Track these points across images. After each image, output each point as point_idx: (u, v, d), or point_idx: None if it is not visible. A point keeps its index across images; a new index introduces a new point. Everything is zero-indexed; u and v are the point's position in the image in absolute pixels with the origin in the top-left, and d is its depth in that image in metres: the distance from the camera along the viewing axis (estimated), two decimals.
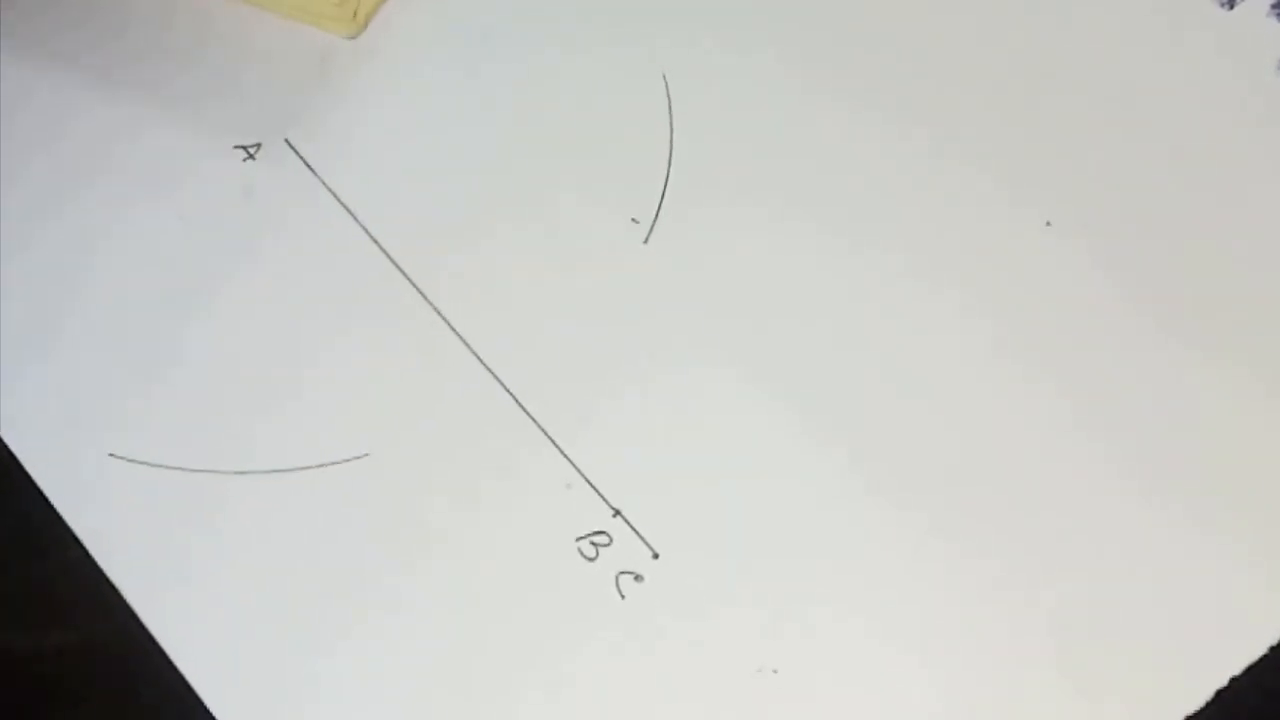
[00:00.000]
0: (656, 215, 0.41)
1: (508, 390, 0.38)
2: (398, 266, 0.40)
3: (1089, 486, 0.37)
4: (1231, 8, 0.45)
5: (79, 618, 0.36)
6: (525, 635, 0.35)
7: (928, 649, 0.35)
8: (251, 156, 0.42)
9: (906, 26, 0.45)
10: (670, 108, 0.43)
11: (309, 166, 0.41)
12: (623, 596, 0.35)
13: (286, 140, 0.42)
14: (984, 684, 0.35)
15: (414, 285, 0.39)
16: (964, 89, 0.44)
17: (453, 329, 0.39)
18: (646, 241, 0.41)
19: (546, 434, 0.37)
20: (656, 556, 0.36)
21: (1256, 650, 0.35)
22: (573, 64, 0.41)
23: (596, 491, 0.37)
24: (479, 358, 0.38)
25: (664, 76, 0.44)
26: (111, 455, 0.37)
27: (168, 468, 0.37)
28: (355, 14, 0.44)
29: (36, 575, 0.37)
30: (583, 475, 0.37)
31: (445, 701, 0.34)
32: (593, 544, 0.36)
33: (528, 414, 0.37)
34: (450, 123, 0.43)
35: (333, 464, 0.37)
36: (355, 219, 0.41)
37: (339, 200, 0.41)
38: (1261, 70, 0.44)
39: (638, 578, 0.36)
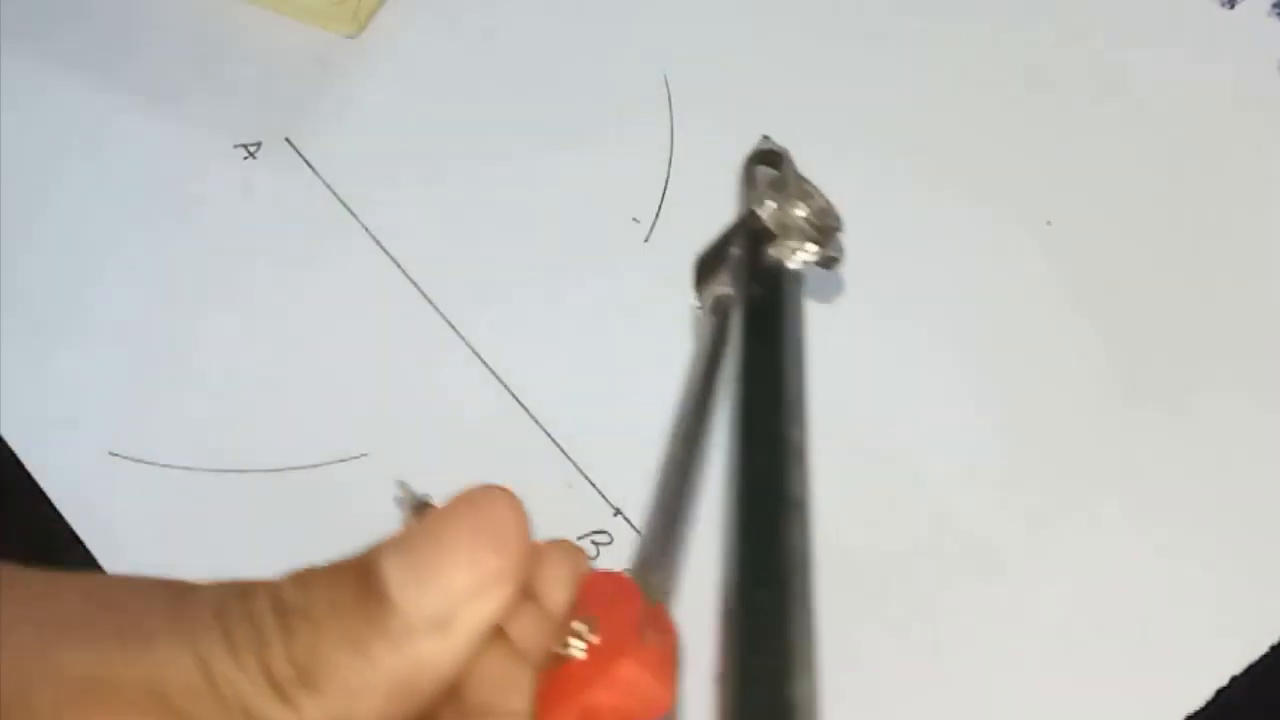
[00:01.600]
0: (657, 215, 0.41)
1: (509, 390, 0.38)
2: (398, 265, 0.40)
3: (1089, 486, 0.37)
4: (1232, 7, 0.45)
5: None
6: None
7: (928, 648, 0.35)
8: (252, 156, 0.42)
9: (906, 26, 0.45)
10: (670, 108, 0.43)
11: (309, 166, 0.41)
12: None
13: (287, 140, 0.42)
14: (985, 683, 0.35)
15: (414, 284, 0.39)
16: (963, 89, 0.44)
17: (453, 328, 0.39)
18: (647, 241, 0.41)
19: (548, 433, 0.37)
20: None
21: (1256, 650, 0.35)
22: (573, 64, 0.41)
23: (598, 491, 0.36)
24: (479, 357, 0.38)
25: (664, 76, 0.44)
26: (111, 454, 0.37)
27: (168, 466, 0.37)
28: (355, 14, 0.44)
29: None
30: (584, 474, 0.37)
31: None
32: (594, 543, 0.36)
33: (529, 413, 0.37)
34: (450, 122, 0.43)
35: (333, 464, 0.37)
36: (355, 218, 0.40)
37: (339, 199, 0.41)
38: (1261, 70, 0.44)
39: None
